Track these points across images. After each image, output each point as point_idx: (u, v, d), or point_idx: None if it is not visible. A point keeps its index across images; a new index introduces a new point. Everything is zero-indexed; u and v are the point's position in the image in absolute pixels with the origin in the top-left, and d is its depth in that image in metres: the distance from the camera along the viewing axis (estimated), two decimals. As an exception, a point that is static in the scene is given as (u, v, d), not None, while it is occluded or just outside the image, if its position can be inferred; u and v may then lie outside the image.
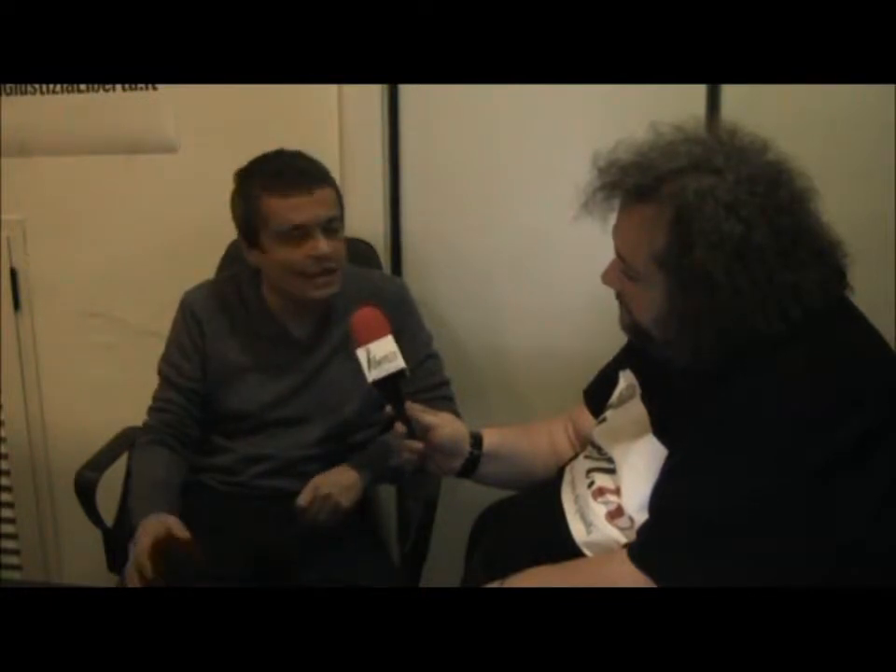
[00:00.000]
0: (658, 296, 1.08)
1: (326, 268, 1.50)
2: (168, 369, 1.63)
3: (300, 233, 1.48)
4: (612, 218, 1.12)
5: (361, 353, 1.25)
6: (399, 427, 1.26)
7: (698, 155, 1.04)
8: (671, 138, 1.09)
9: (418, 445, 1.26)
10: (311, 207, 1.47)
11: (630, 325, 1.16)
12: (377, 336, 1.25)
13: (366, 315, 1.29)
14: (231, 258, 1.83)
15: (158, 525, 1.40)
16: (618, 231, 1.12)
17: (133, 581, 1.37)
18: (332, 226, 1.51)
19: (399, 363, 1.23)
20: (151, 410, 1.64)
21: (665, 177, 1.04)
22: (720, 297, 1.01)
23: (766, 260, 1.01)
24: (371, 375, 1.24)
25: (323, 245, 1.48)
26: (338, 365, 1.60)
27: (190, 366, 1.61)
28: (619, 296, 1.16)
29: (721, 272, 1.00)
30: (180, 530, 1.40)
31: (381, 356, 1.23)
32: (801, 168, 1.07)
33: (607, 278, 1.16)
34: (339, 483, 1.52)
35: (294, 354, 1.61)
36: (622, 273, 1.12)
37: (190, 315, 1.62)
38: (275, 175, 1.48)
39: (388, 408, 1.27)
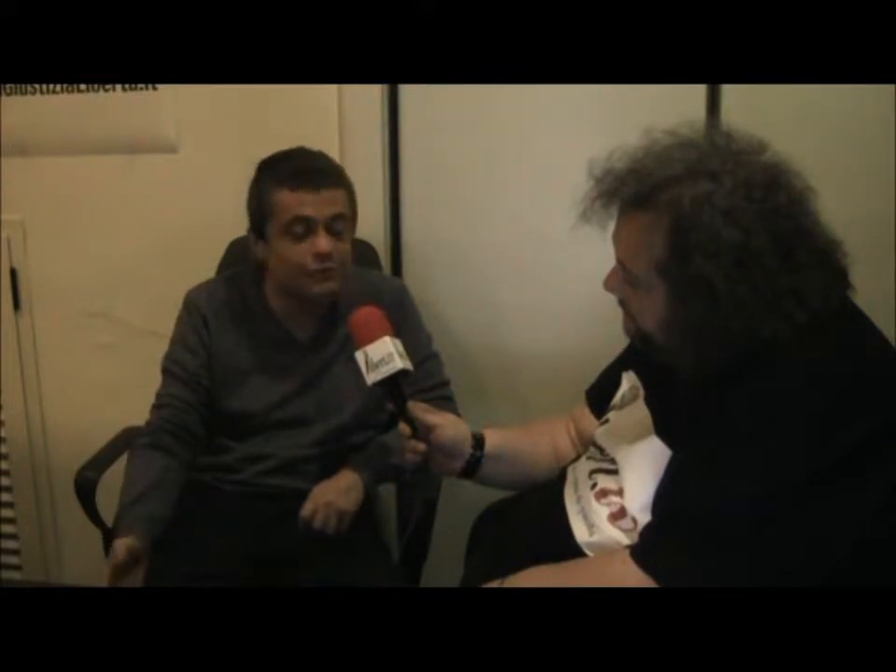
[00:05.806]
0: (660, 303, 1.08)
1: (326, 266, 1.50)
2: (172, 365, 1.62)
3: (302, 228, 1.49)
4: (611, 226, 1.12)
5: (360, 356, 1.24)
6: (405, 427, 1.26)
7: (693, 160, 1.04)
8: (666, 143, 1.08)
9: (422, 447, 1.26)
10: (316, 203, 1.49)
11: (634, 331, 1.15)
12: (375, 337, 1.24)
13: (363, 315, 1.29)
14: (231, 258, 1.83)
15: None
16: (618, 239, 1.11)
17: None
18: (337, 226, 1.51)
19: (397, 364, 1.22)
20: (154, 407, 1.63)
21: (662, 185, 1.03)
22: (721, 304, 1.01)
23: (767, 266, 1.00)
24: (370, 378, 1.23)
25: (323, 242, 1.49)
26: (340, 366, 1.59)
27: (196, 361, 1.60)
28: (621, 302, 1.15)
29: (721, 279, 1.00)
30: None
31: (378, 358, 1.23)
32: (798, 168, 1.06)
33: (608, 285, 1.15)
34: (338, 488, 1.52)
35: (296, 355, 1.61)
36: (623, 281, 1.12)
37: (196, 311, 1.62)
38: (289, 170, 1.50)
39: (390, 405, 1.27)
